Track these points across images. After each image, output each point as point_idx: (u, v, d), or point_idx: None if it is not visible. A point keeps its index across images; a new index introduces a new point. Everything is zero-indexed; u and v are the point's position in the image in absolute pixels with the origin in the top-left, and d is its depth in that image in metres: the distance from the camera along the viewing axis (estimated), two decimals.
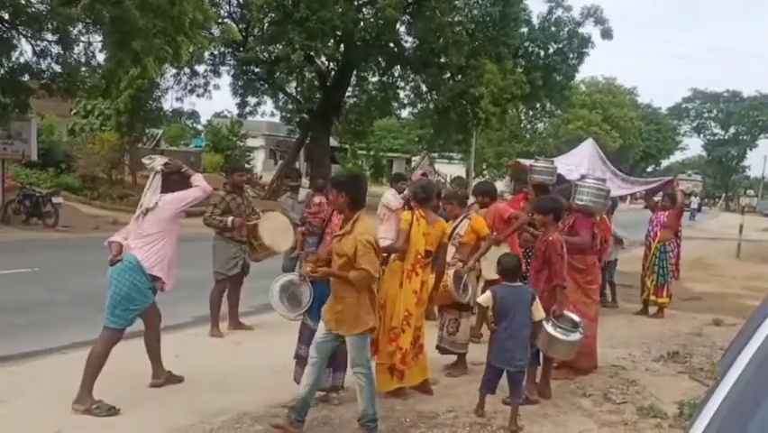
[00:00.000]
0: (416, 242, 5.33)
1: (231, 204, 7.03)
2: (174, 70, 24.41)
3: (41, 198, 16.59)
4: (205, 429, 4.61)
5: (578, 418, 5.21)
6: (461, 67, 24.64)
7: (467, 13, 26.41)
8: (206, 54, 24.94)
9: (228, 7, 26.53)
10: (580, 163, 9.59)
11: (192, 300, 7.62)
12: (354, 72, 27.40)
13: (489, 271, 6.15)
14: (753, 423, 1.14)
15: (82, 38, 16.13)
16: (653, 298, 9.54)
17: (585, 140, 12.18)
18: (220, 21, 25.53)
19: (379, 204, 8.26)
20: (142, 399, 5.12)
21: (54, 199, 16.56)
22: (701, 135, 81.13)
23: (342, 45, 26.06)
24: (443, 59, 25.13)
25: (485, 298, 5.17)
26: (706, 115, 79.83)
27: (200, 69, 26.35)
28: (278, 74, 25.34)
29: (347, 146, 38.25)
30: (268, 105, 30.56)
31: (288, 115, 31.51)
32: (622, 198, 16.41)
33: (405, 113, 34.42)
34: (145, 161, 5.42)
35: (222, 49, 26.07)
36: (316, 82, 28.03)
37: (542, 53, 29.16)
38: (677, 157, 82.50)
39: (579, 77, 36.83)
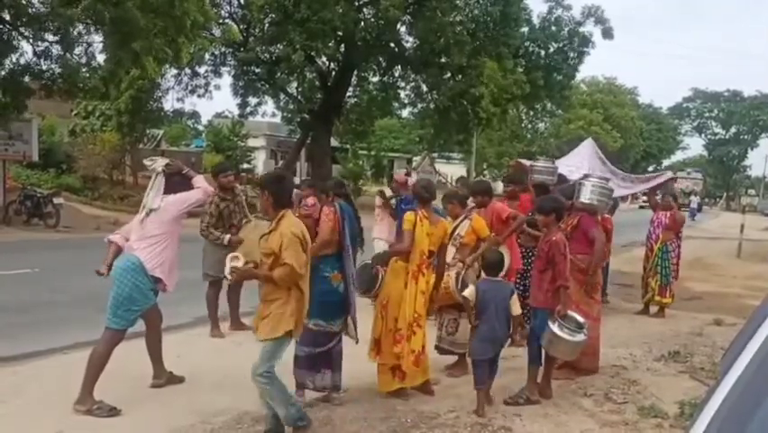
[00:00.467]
0: (421, 242, 5.32)
1: (224, 211, 7.00)
2: (175, 71, 24.43)
3: (42, 198, 16.61)
4: (205, 429, 4.62)
5: (579, 417, 5.21)
6: (462, 67, 24.64)
7: (467, 13, 26.41)
8: (207, 55, 24.99)
9: (229, 8, 26.54)
10: (580, 164, 9.59)
11: (193, 301, 7.61)
12: (355, 72, 27.41)
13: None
14: (753, 423, 1.14)
15: (83, 39, 16.16)
16: (657, 298, 9.54)
17: (585, 139, 12.19)
18: (221, 21, 25.56)
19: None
20: (143, 399, 5.12)
21: (55, 200, 16.58)
22: (702, 135, 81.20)
23: (342, 45, 26.06)
24: (443, 59, 25.13)
25: (470, 291, 5.33)
26: (707, 114, 79.86)
27: (201, 69, 26.38)
28: (278, 74, 25.35)
29: (348, 146, 38.22)
30: (269, 106, 30.68)
31: (289, 116, 31.51)
32: (623, 198, 16.40)
33: (405, 113, 34.46)
34: (146, 162, 5.44)
35: (222, 49, 26.09)
36: (317, 82, 28.04)
37: (542, 53, 29.15)
38: (678, 157, 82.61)
39: (579, 76, 36.91)
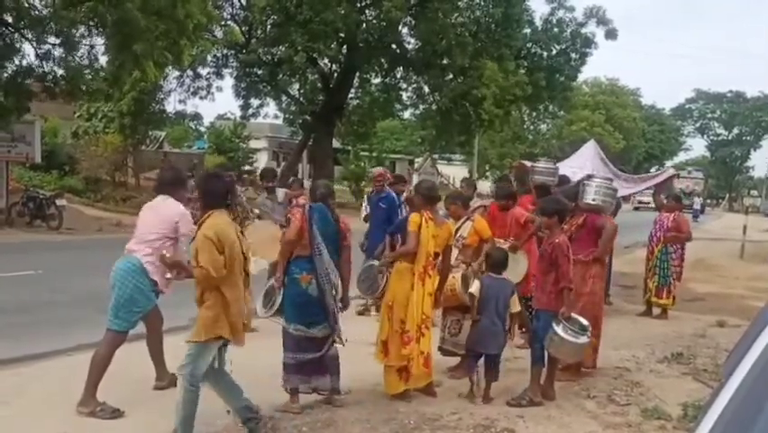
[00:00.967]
0: (426, 243, 5.32)
1: None
2: (177, 73, 24.47)
3: (45, 200, 16.64)
4: (208, 431, 4.62)
5: (582, 419, 5.20)
6: (464, 68, 24.65)
7: (469, 15, 26.43)
8: (209, 56, 25.02)
9: (231, 9, 26.58)
10: (583, 165, 9.59)
11: (193, 303, 7.60)
12: (357, 74, 27.43)
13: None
14: (757, 426, 1.13)
15: (85, 41, 16.19)
16: (654, 299, 9.53)
17: (588, 140, 12.18)
18: (223, 23, 25.59)
19: None
20: (146, 401, 5.12)
21: (58, 201, 16.61)
22: (705, 136, 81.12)
23: (344, 47, 26.08)
24: (445, 61, 25.14)
25: (476, 287, 5.50)
26: (709, 115, 79.77)
27: (203, 71, 26.44)
28: (280, 76, 25.40)
29: (350, 148, 38.25)
30: (270, 107, 30.74)
31: (291, 117, 31.55)
32: (625, 199, 16.38)
33: (407, 114, 34.47)
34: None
35: (224, 51, 26.14)
36: (319, 84, 28.06)
37: (544, 54, 29.10)
38: (680, 158, 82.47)
39: (581, 77, 36.84)
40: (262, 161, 39.71)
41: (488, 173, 48.22)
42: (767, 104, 73.16)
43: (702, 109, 79.48)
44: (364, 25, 24.68)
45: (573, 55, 28.90)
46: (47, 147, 21.81)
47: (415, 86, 28.93)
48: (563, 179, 8.48)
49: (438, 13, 23.70)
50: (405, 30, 26.21)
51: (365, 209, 9.24)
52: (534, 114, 41.32)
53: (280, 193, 8.36)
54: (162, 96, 25.62)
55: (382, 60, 26.82)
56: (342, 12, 23.12)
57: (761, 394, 1.19)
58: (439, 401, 5.41)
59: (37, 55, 15.95)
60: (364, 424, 4.84)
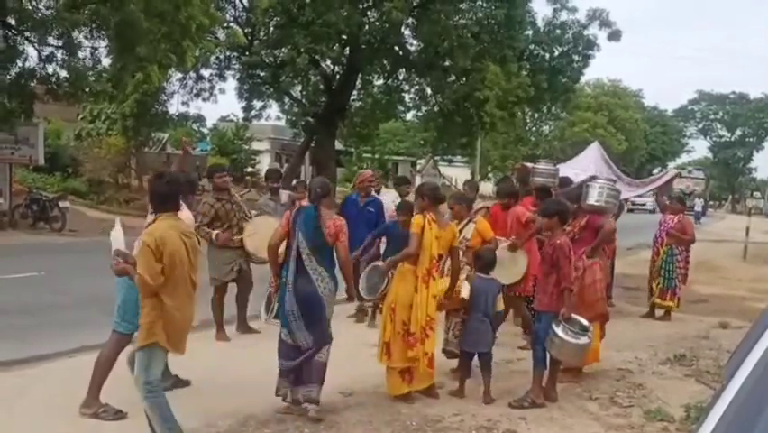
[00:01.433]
0: (430, 245, 5.30)
1: (219, 211, 6.98)
2: (180, 75, 24.50)
3: (48, 202, 16.68)
4: (209, 432, 4.63)
5: (584, 421, 5.20)
6: (466, 70, 24.64)
7: (471, 16, 26.40)
8: (212, 58, 25.03)
9: (233, 11, 26.60)
10: (587, 167, 9.59)
11: (197, 304, 7.62)
12: (359, 75, 27.42)
13: (501, 274, 6.14)
14: (758, 427, 1.14)
15: (87, 43, 16.24)
16: (658, 301, 9.52)
17: (590, 142, 12.18)
18: (225, 25, 25.61)
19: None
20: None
21: (61, 203, 16.65)
22: (707, 137, 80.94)
23: (347, 48, 26.09)
24: (447, 63, 25.13)
25: (467, 291, 5.56)
26: (712, 116, 79.61)
27: (206, 73, 26.44)
28: (283, 78, 25.38)
29: (352, 149, 38.28)
30: (273, 109, 30.57)
31: (294, 119, 31.55)
32: (626, 201, 16.35)
33: (410, 116, 34.46)
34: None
35: (227, 53, 26.15)
36: (321, 86, 28.07)
37: (547, 56, 29.07)
38: (683, 159, 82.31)
39: (584, 79, 36.80)
40: (265, 162, 39.71)
41: (490, 175, 48.18)
42: None
43: (705, 110, 79.34)
44: (366, 27, 24.69)
45: (576, 57, 28.88)
46: (50, 149, 21.86)
47: (417, 87, 28.92)
48: (565, 181, 8.48)
49: (440, 15, 23.69)
50: (407, 31, 26.20)
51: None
52: (537, 115, 41.34)
53: (284, 195, 8.35)
54: (165, 98, 25.66)
55: (384, 62, 26.82)
56: (345, 13, 23.13)
57: (762, 396, 1.20)
58: (441, 403, 5.42)
59: (40, 57, 16.00)
60: (366, 425, 4.85)
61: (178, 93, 26.79)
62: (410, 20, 25.06)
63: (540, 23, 28.60)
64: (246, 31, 26.45)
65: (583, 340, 5.41)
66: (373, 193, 8.62)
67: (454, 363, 6.18)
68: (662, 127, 74.99)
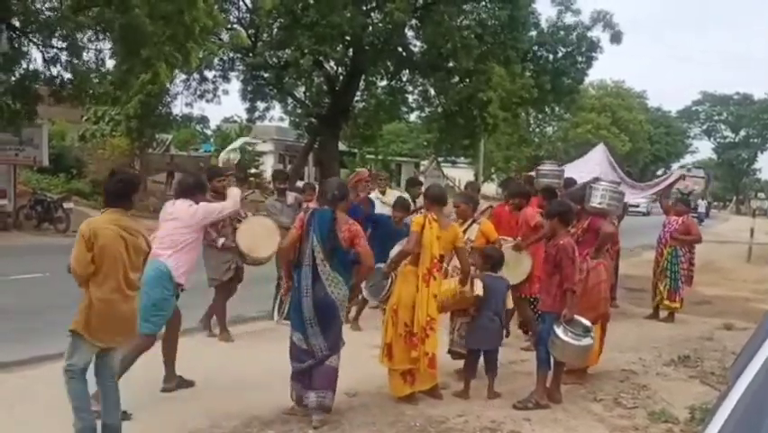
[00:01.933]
0: (431, 245, 5.27)
1: None
2: (183, 76, 24.55)
3: (53, 203, 16.72)
4: None
5: (588, 422, 5.20)
6: (469, 71, 24.63)
7: (475, 17, 26.38)
8: (216, 60, 25.07)
9: (237, 13, 26.64)
10: (592, 170, 9.58)
11: (200, 306, 7.63)
12: (363, 77, 27.43)
13: (505, 275, 6.14)
14: (764, 429, 1.14)
15: (92, 45, 16.27)
16: (666, 303, 9.49)
17: (594, 143, 12.18)
18: (229, 27, 25.65)
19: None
20: (153, 404, 5.14)
21: (65, 204, 16.68)
22: (711, 138, 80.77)
23: (350, 50, 26.10)
24: (451, 64, 25.13)
25: (480, 288, 5.59)
26: (716, 117, 79.46)
27: (209, 74, 26.47)
28: (286, 79, 25.39)
29: (356, 150, 38.28)
30: (276, 110, 30.61)
31: (297, 120, 31.58)
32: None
33: (413, 117, 34.45)
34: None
35: (231, 54, 26.18)
36: (325, 87, 28.08)
37: (550, 57, 29.06)
38: (687, 160, 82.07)
39: (588, 80, 36.73)
40: (268, 163, 39.76)
41: (493, 176, 48.17)
42: None
43: (709, 111, 79.18)
44: (370, 28, 24.68)
45: (579, 58, 28.87)
46: (54, 150, 21.94)
47: (420, 88, 28.92)
48: (570, 182, 8.48)
49: (444, 16, 23.69)
50: (410, 33, 26.20)
51: None
52: (540, 116, 41.28)
53: (290, 196, 8.36)
54: (169, 99, 25.71)
55: (388, 63, 26.82)
56: (349, 15, 23.15)
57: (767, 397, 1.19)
58: (445, 404, 5.41)
59: (44, 59, 16.04)
60: (370, 427, 4.85)
61: (181, 94, 26.83)
62: (413, 21, 25.07)
63: (544, 25, 28.61)
64: (250, 32, 26.50)
65: (585, 342, 5.40)
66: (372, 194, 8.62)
67: (459, 363, 6.18)
68: (666, 128, 74.85)
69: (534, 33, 28.27)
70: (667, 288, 9.44)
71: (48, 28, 15.13)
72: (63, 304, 8.52)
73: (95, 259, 4.09)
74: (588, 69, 29.41)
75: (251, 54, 25.51)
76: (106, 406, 4.30)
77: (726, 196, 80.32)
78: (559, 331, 5.28)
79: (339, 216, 4.91)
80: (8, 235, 15.71)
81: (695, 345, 7.91)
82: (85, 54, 16.07)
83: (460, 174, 45.97)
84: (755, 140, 77.51)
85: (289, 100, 29.32)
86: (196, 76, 25.45)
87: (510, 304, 5.88)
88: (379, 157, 42.21)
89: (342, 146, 32.64)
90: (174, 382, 5.43)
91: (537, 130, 49.80)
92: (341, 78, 27.64)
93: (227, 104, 72.49)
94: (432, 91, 28.14)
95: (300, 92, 28.73)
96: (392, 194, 9.24)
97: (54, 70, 16.14)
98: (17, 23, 15.57)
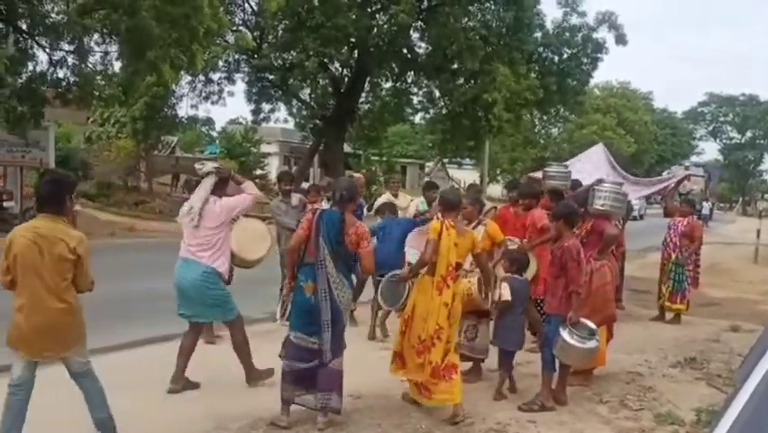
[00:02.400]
0: (447, 252, 5.05)
1: None
2: (189, 78, 24.62)
3: None
4: None
5: (594, 424, 5.19)
6: (475, 72, 24.63)
7: (480, 19, 26.40)
8: (221, 62, 25.14)
9: (242, 15, 26.71)
10: (593, 170, 9.55)
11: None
12: (368, 78, 27.47)
13: None
14: None
15: (98, 48, 16.33)
16: (668, 304, 9.47)
17: (595, 145, 12.11)
18: (234, 29, 25.71)
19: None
20: (159, 405, 5.15)
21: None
22: (717, 139, 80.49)
23: (355, 51, 26.14)
24: (455, 65, 25.14)
25: (508, 291, 5.62)
26: (722, 118, 79.17)
27: (215, 76, 26.54)
28: (291, 81, 25.45)
29: (361, 152, 38.31)
30: (282, 112, 30.67)
31: (302, 122, 31.63)
32: (648, 200, 16.29)
33: (417, 118, 34.48)
34: (197, 165, 5.68)
35: (236, 56, 26.25)
36: (330, 88, 28.13)
37: (556, 58, 29.05)
38: (693, 161, 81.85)
39: (593, 81, 36.65)
40: (274, 165, 39.84)
41: (498, 177, 48.12)
42: None
43: (715, 112, 78.90)
44: (375, 30, 24.72)
45: (585, 60, 28.85)
46: (60, 152, 22.00)
47: (425, 90, 28.94)
48: (575, 184, 8.46)
49: (449, 18, 23.71)
50: (415, 34, 26.23)
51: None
52: (546, 118, 41.23)
53: (294, 198, 8.36)
54: (174, 101, 25.80)
55: (393, 65, 26.84)
56: (354, 17, 23.19)
57: None
58: (451, 406, 5.40)
59: (51, 62, 16.10)
60: (375, 428, 4.85)
61: (187, 96, 26.92)
62: (418, 23, 25.10)
63: (549, 26, 28.60)
64: (255, 34, 26.56)
65: (590, 344, 5.39)
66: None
67: (465, 365, 6.17)
68: (672, 129, 74.67)
69: (539, 35, 28.25)
70: (669, 289, 9.42)
71: (55, 31, 15.19)
72: None
73: (10, 268, 3.96)
74: (593, 70, 29.41)
75: (256, 56, 25.57)
76: (90, 404, 4.28)
77: (732, 197, 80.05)
78: (564, 334, 5.27)
79: (348, 218, 4.86)
80: None
81: (701, 346, 7.89)
82: (91, 57, 16.14)
83: (465, 176, 45.98)
84: (762, 141, 77.20)
85: (294, 102, 29.37)
86: (201, 78, 25.53)
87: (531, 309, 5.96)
88: (383, 159, 42.23)
89: (347, 148, 32.66)
90: (181, 383, 5.45)
91: (543, 131, 49.76)
92: (346, 79, 27.69)
93: (232, 105, 72.68)
94: (437, 93, 28.15)
95: (305, 94, 28.79)
96: (404, 197, 9.19)
97: (61, 73, 16.22)
98: (24, 26, 15.64)
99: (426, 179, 44.93)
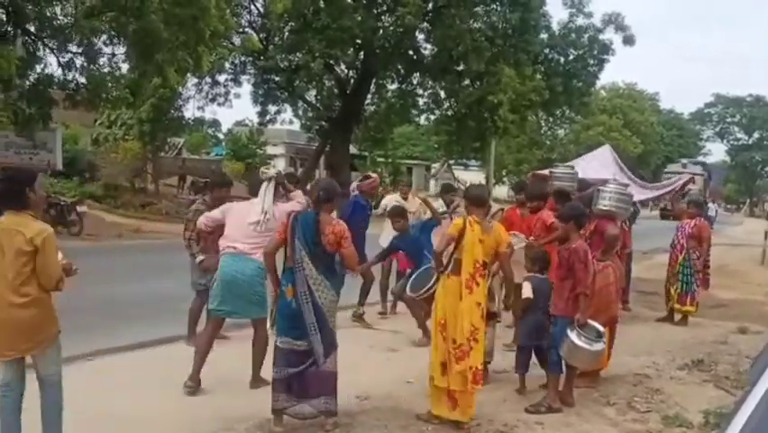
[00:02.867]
0: (472, 249, 4.87)
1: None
2: (195, 80, 24.72)
3: (66, 206, 16.84)
4: None
5: (602, 427, 5.17)
6: (480, 73, 24.64)
7: (486, 20, 26.40)
8: (227, 63, 25.24)
9: (249, 16, 26.81)
10: (602, 171, 9.53)
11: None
12: (373, 80, 27.51)
13: (517, 276, 6.12)
14: None
15: (106, 49, 16.42)
16: (677, 306, 9.44)
17: (603, 146, 12.08)
18: (241, 30, 25.80)
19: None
20: (165, 405, 5.16)
21: (79, 208, 16.80)
22: (724, 140, 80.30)
23: (361, 53, 26.20)
24: (461, 67, 25.15)
25: (529, 290, 5.61)
26: (729, 119, 78.96)
27: (221, 78, 26.67)
28: (297, 82, 25.53)
29: (366, 154, 38.34)
30: (288, 114, 30.80)
31: (308, 123, 31.71)
32: (643, 204, 16.25)
33: (422, 120, 34.49)
34: (262, 169, 5.93)
35: (242, 58, 26.34)
36: (336, 90, 28.19)
37: (562, 60, 29.01)
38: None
39: (599, 82, 36.60)
40: (280, 166, 39.94)
41: (504, 179, 48.09)
42: None
43: (721, 113, 78.69)
44: (381, 31, 24.77)
45: (591, 61, 28.79)
46: (68, 154, 22.10)
47: (431, 91, 28.96)
48: (583, 185, 8.44)
49: (455, 19, 23.72)
50: (421, 36, 26.26)
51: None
52: (552, 119, 41.19)
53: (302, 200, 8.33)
54: (181, 103, 25.92)
55: (399, 66, 26.89)
56: (359, 18, 23.25)
57: None
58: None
59: (59, 64, 16.19)
60: (382, 430, 4.85)
61: (193, 98, 27.07)
62: (424, 24, 25.11)
63: (555, 27, 28.56)
64: (261, 36, 26.66)
65: (597, 346, 5.39)
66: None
67: None
68: (679, 130, 74.49)
69: (545, 36, 28.22)
70: (678, 291, 9.39)
71: (62, 33, 15.27)
72: (76, 307, 8.59)
73: None
74: (599, 71, 29.36)
75: (262, 58, 25.66)
76: (45, 420, 4.11)
77: (739, 198, 79.78)
78: (572, 335, 5.26)
79: (323, 218, 4.72)
80: None
81: (709, 348, 7.85)
82: (99, 59, 16.22)
83: (472, 177, 45.91)
84: None
85: (300, 103, 29.47)
86: (207, 79, 25.65)
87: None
88: (389, 160, 42.27)
89: (352, 149, 32.71)
90: (197, 383, 5.42)
91: (549, 133, 49.70)
92: (351, 81, 27.74)
93: (239, 107, 72.88)
94: (442, 94, 28.18)
95: (311, 95, 28.88)
96: (414, 201, 9.12)
97: (69, 75, 16.30)
98: (32, 29, 15.72)
99: (432, 180, 45.00)
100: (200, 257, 6.40)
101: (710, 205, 39.30)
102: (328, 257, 4.72)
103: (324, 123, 29.07)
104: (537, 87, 26.80)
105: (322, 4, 23.41)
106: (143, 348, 6.80)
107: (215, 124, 34.51)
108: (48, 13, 15.61)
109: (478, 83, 25.78)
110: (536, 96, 26.82)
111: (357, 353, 6.65)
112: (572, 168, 9.21)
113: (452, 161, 45.33)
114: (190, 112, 31.44)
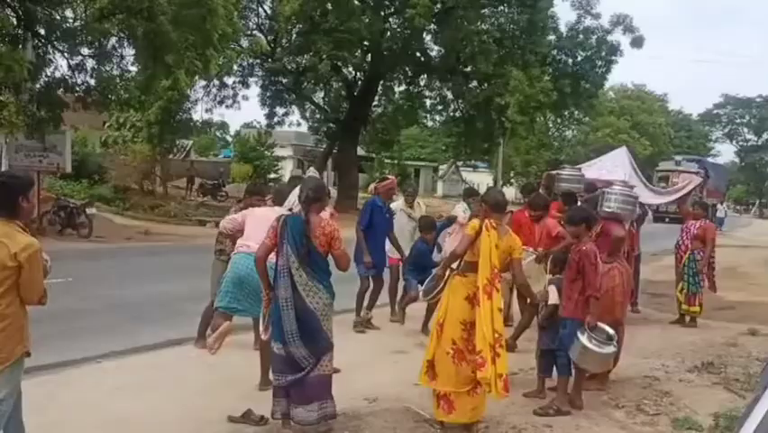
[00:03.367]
0: (489, 253, 4.75)
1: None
2: (203, 82, 24.81)
3: (75, 209, 16.92)
4: None
5: (610, 429, 5.15)
6: (488, 75, 24.63)
7: (494, 22, 26.40)
8: (235, 66, 25.32)
9: (256, 19, 26.90)
10: (616, 167, 9.47)
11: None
12: (381, 82, 27.55)
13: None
14: None
15: (116, 52, 16.48)
16: (685, 307, 9.40)
17: (613, 147, 12.02)
18: (248, 33, 25.88)
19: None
20: (174, 407, 5.17)
21: (88, 210, 16.89)
22: (734, 141, 79.82)
23: (369, 55, 26.25)
24: (469, 68, 25.16)
25: (556, 296, 5.56)
26: (738, 120, 78.48)
27: (229, 80, 26.77)
28: (305, 84, 25.63)
29: (374, 155, 38.38)
30: (295, 116, 30.91)
31: (316, 125, 31.78)
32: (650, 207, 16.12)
33: (430, 122, 34.51)
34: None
35: (250, 60, 26.44)
36: (343, 92, 28.25)
37: (570, 61, 28.95)
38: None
39: (608, 84, 36.48)
40: (287, 169, 40.01)
41: (512, 180, 48.02)
42: None
43: (731, 114, 78.21)
44: (388, 33, 24.82)
45: (599, 62, 28.70)
46: (77, 157, 22.19)
47: (438, 93, 28.97)
48: (590, 187, 8.42)
49: (462, 21, 23.73)
50: (429, 37, 26.29)
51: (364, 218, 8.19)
52: (560, 120, 41.08)
53: None
54: (189, 106, 26.03)
55: (406, 68, 26.93)
56: (367, 20, 23.28)
57: None
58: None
59: (69, 66, 16.27)
60: (390, 431, 4.84)
61: (201, 100, 27.20)
62: (432, 26, 25.13)
63: (563, 29, 28.51)
64: (269, 38, 26.74)
65: (608, 349, 5.36)
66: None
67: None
68: (688, 132, 74.14)
69: (553, 37, 28.16)
70: (684, 292, 9.35)
71: (72, 36, 15.35)
72: (87, 309, 8.65)
73: None
74: (607, 73, 29.22)
75: (270, 60, 25.74)
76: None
77: (748, 199, 79.32)
78: (583, 338, 5.24)
79: (312, 219, 4.55)
80: None
81: (719, 350, 7.80)
82: (109, 61, 16.30)
83: (480, 178, 45.88)
84: None
85: (308, 105, 29.53)
86: (215, 82, 25.75)
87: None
88: (396, 162, 42.29)
89: (360, 151, 32.76)
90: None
91: (557, 134, 49.59)
92: (359, 83, 27.79)
93: (247, 109, 73.19)
94: (449, 96, 28.18)
95: (319, 97, 28.95)
96: (419, 208, 9.07)
97: (79, 78, 16.37)
98: (42, 31, 15.82)
99: (440, 182, 44.93)
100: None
101: (719, 206, 38.91)
102: (320, 258, 4.57)
103: (331, 125, 29.13)
104: (545, 88, 26.75)
105: (329, 6, 23.47)
106: (152, 350, 6.83)
107: (223, 126, 34.75)
108: (58, 17, 15.70)
109: (485, 84, 25.77)
110: (544, 97, 26.79)
111: (365, 355, 6.65)
112: (579, 169, 9.18)
113: (460, 163, 45.29)
114: (198, 114, 31.60)
